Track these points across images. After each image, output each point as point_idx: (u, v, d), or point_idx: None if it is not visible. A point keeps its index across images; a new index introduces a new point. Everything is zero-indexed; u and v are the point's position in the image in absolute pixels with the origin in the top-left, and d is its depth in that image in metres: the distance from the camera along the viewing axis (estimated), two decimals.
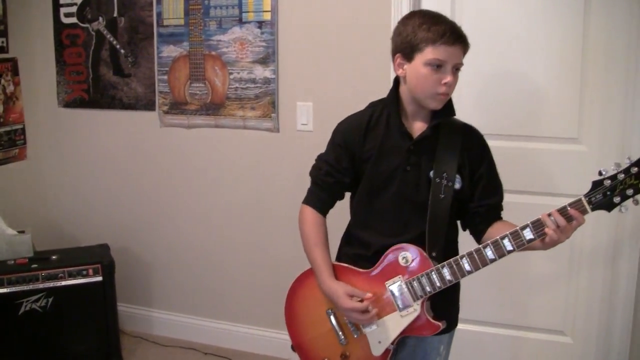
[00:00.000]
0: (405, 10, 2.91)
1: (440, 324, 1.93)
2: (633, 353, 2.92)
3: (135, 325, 3.80)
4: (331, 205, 2.12)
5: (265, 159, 3.35)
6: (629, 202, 1.73)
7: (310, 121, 3.22)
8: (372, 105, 2.09)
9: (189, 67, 3.37)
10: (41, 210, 3.90)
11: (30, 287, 3.19)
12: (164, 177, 3.60)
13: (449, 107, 1.99)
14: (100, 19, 3.53)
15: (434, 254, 1.92)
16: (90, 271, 3.28)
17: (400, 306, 1.93)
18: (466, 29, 2.96)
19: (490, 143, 3.11)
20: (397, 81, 2.01)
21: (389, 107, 2.00)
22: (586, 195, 1.76)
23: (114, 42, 3.52)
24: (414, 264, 1.92)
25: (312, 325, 2.09)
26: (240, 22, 3.22)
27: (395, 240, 1.95)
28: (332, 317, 2.04)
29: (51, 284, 3.22)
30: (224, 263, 3.58)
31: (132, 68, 3.52)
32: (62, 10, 3.62)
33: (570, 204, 1.77)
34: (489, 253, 1.83)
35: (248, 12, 3.20)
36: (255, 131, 3.32)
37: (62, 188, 3.88)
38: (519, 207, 3.17)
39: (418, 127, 1.99)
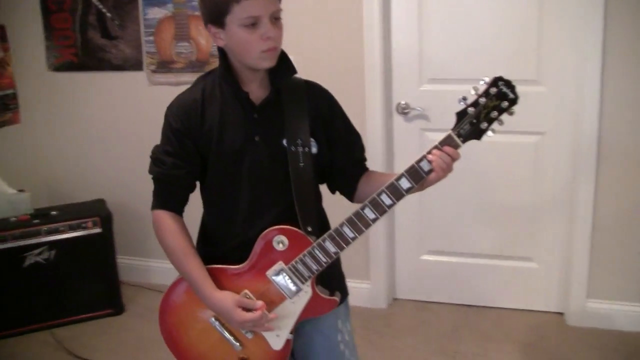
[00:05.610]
0: None
1: (335, 298, 1.81)
2: (592, 272, 3.22)
3: (134, 276, 3.96)
4: (186, 202, 1.86)
5: None
6: (495, 124, 1.62)
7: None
8: (202, 79, 1.84)
9: (174, 27, 3.55)
10: (37, 170, 4.06)
11: (34, 241, 3.40)
12: (155, 134, 3.72)
13: (287, 66, 1.78)
14: None
15: (309, 229, 1.72)
16: (90, 224, 3.48)
17: (289, 293, 1.75)
18: None
19: (455, 87, 3.38)
20: (222, 50, 1.75)
21: (223, 77, 1.76)
22: (454, 129, 1.61)
23: (100, 7, 3.68)
24: (291, 245, 1.72)
25: (197, 340, 1.86)
26: None
27: (260, 223, 1.75)
28: (218, 326, 1.81)
29: (53, 238, 3.43)
30: None
31: (119, 31, 3.68)
32: None
33: (441, 142, 1.61)
34: (369, 213, 1.65)
35: None
36: None
37: (56, 148, 4.04)
38: (487, 145, 3.44)
39: (258, 93, 1.76)
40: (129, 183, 3.91)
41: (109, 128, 3.89)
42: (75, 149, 4.01)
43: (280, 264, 1.73)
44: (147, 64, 3.67)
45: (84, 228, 3.48)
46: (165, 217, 1.81)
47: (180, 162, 1.79)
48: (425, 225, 3.52)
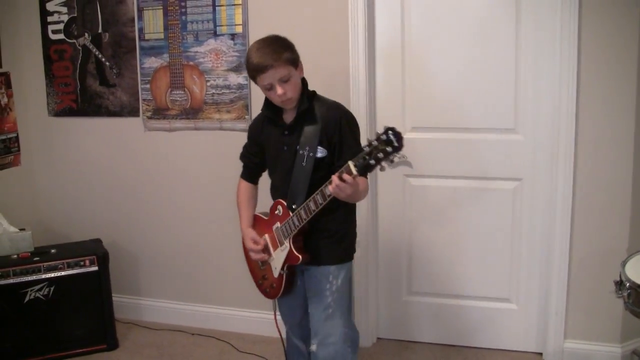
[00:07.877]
0: (362, 19, 3.34)
1: (299, 256, 2.56)
2: (569, 313, 3.33)
3: (126, 313, 4.10)
4: (257, 176, 2.88)
5: None
6: (384, 163, 2.12)
7: None
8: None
9: (169, 76, 3.75)
10: (37, 210, 4.23)
11: (34, 277, 3.54)
12: (149, 177, 3.96)
13: (303, 101, 2.56)
14: (86, 34, 3.89)
15: (294, 206, 2.53)
16: (87, 262, 3.63)
17: (280, 243, 2.63)
18: (413, 33, 3.34)
19: (437, 135, 3.51)
20: None
21: (267, 110, 2.65)
22: (352, 161, 2.19)
23: (100, 56, 3.89)
24: (283, 213, 2.60)
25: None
26: (215, 35, 3.61)
27: (282, 196, 2.62)
28: None
29: (52, 275, 3.57)
30: (206, 253, 3.92)
31: (116, 79, 3.88)
32: (50, 27, 3.97)
33: (341, 170, 2.24)
34: (318, 198, 2.39)
35: (222, 25, 3.60)
36: (231, 132, 3.69)
37: (55, 190, 4.20)
38: (467, 191, 3.59)
39: (291, 117, 2.61)
40: (123, 224, 4.07)
41: (106, 171, 4.05)
42: (73, 190, 4.17)
43: (277, 224, 2.63)
44: (143, 111, 3.87)
45: (82, 266, 3.63)
46: (242, 182, 2.89)
47: (250, 155, 2.84)
48: (408, 268, 3.65)
